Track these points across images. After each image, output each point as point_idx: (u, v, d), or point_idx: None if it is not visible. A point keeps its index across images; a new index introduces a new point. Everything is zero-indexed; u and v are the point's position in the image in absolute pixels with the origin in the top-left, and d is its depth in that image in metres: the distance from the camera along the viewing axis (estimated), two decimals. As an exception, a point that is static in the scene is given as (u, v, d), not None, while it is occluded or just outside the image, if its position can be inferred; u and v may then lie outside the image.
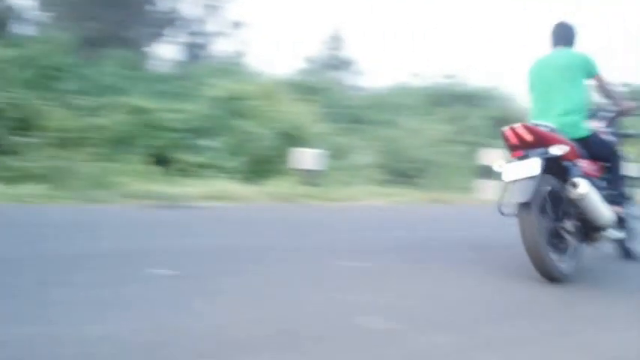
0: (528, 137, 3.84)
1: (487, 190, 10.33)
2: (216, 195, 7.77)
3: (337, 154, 11.99)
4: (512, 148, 3.94)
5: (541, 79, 4.40)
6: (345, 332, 2.60)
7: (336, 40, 23.38)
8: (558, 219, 3.97)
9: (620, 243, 4.92)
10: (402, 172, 12.45)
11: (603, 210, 4.07)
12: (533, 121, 4.09)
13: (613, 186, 4.41)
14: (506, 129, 3.91)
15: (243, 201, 7.81)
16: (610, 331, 2.97)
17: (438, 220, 7.43)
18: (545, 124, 4.05)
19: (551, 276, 3.81)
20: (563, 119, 4.17)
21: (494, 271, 4.22)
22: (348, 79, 22.43)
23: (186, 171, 9.81)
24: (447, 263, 4.41)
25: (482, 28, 53.91)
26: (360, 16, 47.12)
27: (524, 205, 3.71)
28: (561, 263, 3.90)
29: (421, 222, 7.19)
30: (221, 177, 9.33)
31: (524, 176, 3.75)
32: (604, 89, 4.46)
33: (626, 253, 4.96)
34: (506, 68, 46.48)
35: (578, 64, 4.29)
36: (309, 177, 9.33)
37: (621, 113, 4.68)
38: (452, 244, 5.18)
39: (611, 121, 4.71)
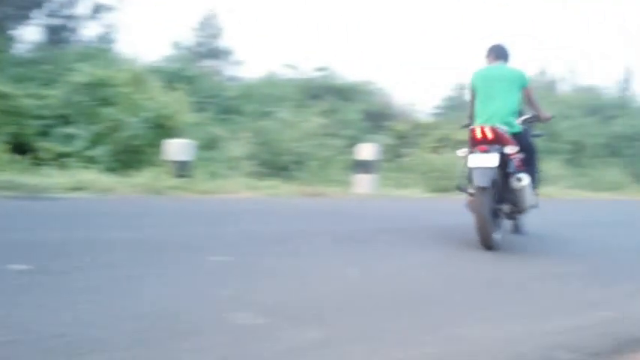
0: (491, 136, 4.92)
1: (362, 184, 10.55)
2: (79, 186, 7.51)
3: (209, 144, 11.87)
4: (476, 142, 4.98)
5: (484, 86, 5.44)
6: (214, 328, 2.52)
7: (211, 28, 23.10)
8: (498, 201, 5.11)
9: (516, 221, 6.07)
10: (276, 165, 12.42)
11: (531, 197, 5.33)
12: (497, 124, 5.08)
13: (530, 175, 5.35)
14: (475, 127, 5.03)
15: (108, 192, 7.58)
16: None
17: (311, 214, 7.44)
18: (502, 127, 5.08)
19: (490, 246, 4.89)
20: (502, 119, 5.22)
21: (363, 262, 4.29)
22: (224, 68, 22.24)
23: (49, 160, 9.38)
24: (316, 256, 4.40)
25: (359, 21, 55.08)
26: (234, 2, 46.65)
27: (482, 189, 4.81)
28: (496, 236, 5.02)
29: (294, 215, 7.18)
30: (86, 167, 9.01)
31: (485, 166, 4.84)
32: (530, 99, 5.63)
33: (516, 229, 6.13)
34: (381, 63, 47.79)
35: (515, 77, 5.44)
36: (179, 168, 9.14)
37: (538, 119, 5.84)
38: (322, 237, 5.17)
39: (526, 123, 5.73)
